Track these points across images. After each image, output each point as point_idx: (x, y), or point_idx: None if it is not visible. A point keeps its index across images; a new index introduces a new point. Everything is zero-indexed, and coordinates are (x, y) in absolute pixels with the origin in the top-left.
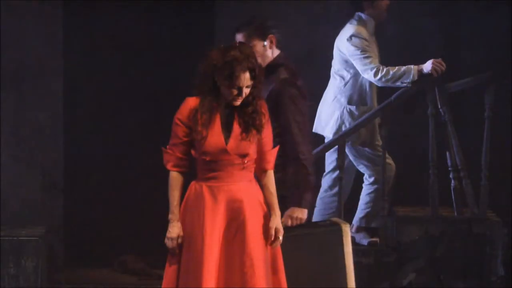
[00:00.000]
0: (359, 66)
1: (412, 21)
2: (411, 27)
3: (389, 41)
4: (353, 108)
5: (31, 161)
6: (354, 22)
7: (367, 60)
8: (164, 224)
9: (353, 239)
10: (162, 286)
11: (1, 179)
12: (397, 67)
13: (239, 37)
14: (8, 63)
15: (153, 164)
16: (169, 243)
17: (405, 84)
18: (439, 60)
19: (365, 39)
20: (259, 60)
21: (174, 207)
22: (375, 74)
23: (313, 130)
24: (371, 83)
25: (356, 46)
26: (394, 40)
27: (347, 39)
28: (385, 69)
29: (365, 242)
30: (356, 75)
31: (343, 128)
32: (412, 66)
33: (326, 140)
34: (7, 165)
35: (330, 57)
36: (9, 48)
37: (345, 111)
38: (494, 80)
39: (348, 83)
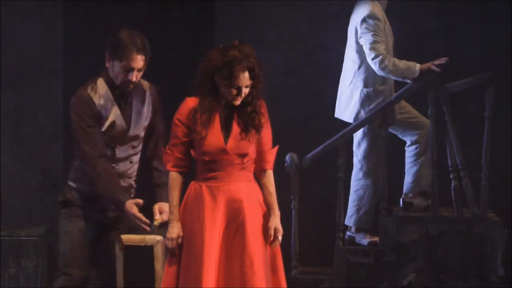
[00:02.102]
0: (366, 49)
1: (412, 21)
2: (411, 27)
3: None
4: (369, 90)
5: (31, 161)
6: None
7: (375, 45)
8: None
9: (353, 239)
10: (162, 286)
11: (1, 179)
12: (403, 61)
13: (139, 58)
14: (8, 63)
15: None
16: (169, 244)
17: (406, 80)
18: (443, 60)
19: (379, 20)
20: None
21: (173, 208)
22: (380, 63)
23: (335, 115)
24: None
25: (368, 28)
26: (394, 40)
27: (362, 20)
28: (391, 60)
29: (365, 242)
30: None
31: (362, 113)
32: (417, 64)
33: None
34: (7, 165)
35: (330, 57)
36: (9, 48)
37: (362, 94)
38: (494, 80)
39: (362, 66)
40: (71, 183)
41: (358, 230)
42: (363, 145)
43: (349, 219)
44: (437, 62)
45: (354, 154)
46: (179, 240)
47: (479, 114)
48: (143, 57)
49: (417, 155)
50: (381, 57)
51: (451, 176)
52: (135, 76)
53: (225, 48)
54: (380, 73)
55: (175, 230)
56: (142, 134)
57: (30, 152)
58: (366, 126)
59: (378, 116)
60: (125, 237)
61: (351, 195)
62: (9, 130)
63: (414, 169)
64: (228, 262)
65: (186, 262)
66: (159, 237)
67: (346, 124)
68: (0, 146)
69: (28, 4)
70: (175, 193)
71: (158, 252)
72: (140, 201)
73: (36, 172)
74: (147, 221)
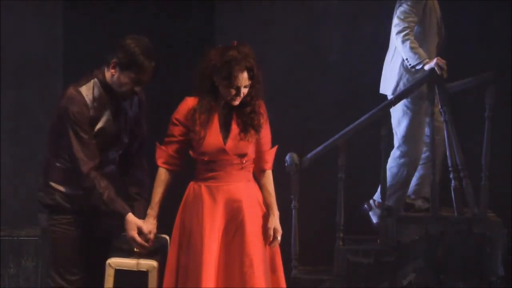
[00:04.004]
0: (395, 16)
1: None
2: None
3: (389, 41)
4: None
5: (31, 161)
6: None
7: (403, 15)
8: (165, 224)
9: (369, 208)
10: (162, 286)
11: (1, 179)
12: (418, 47)
13: (152, 74)
14: (8, 63)
15: (153, 164)
16: (137, 238)
17: (407, 64)
18: (443, 60)
19: (421, 1)
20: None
21: (154, 203)
22: (397, 32)
23: (380, 91)
24: (425, 37)
25: (406, 2)
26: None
27: None
28: (407, 36)
29: (375, 220)
30: None
31: (401, 86)
32: (425, 60)
33: None
34: (7, 165)
35: (331, 57)
36: (9, 48)
37: (401, 68)
38: (494, 80)
39: None
40: (54, 185)
41: (378, 205)
42: (404, 124)
43: (378, 194)
44: (441, 62)
45: (394, 132)
46: (151, 236)
47: (479, 114)
48: (154, 70)
49: (427, 159)
50: (401, 27)
51: (451, 176)
52: (140, 87)
53: (224, 48)
54: (395, 37)
55: (149, 226)
56: (128, 139)
57: (30, 152)
58: (406, 104)
59: (378, 116)
60: (116, 261)
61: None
62: (9, 130)
63: (421, 172)
64: (227, 262)
65: (185, 262)
66: (154, 263)
67: (347, 123)
68: (0, 146)
69: (28, 4)
70: (159, 190)
71: (153, 278)
72: (143, 226)
73: (36, 172)
74: (145, 244)
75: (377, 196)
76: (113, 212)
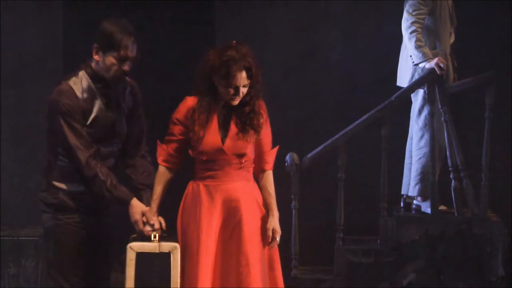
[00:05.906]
0: (404, 10)
1: None
2: None
3: (389, 41)
4: None
5: (31, 161)
6: None
7: (411, 9)
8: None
9: (419, 207)
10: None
11: (1, 179)
12: (423, 44)
13: (134, 47)
14: (8, 63)
15: (153, 164)
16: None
17: (411, 61)
18: (444, 61)
19: None
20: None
21: (152, 201)
22: (406, 28)
23: (397, 84)
24: (437, 27)
25: None
26: (394, 40)
27: None
28: (414, 33)
29: (429, 211)
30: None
31: (416, 75)
32: (428, 60)
33: None
34: (7, 165)
35: (330, 57)
36: (9, 48)
37: None
38: (494, 80)
39: None
40: (56, 183)
41: (424, 198)
42: (424, 113)
43: (413, 189)
44: (441, 63)
45: (415, 123)
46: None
47: (479, 114)
48: (136, 46)
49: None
50: (409, 22)
51: (451, 176)
52: (128, 66)
53: (223, 48)
54: (403, 33)
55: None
56: (125, 130)
57: (30, 152)
58: (426, 92)
59: (378, 116)
60: (138, 245)
61: (413, 165)
62: (9, 130)
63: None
64: (224, 261)
65: (182, 261)
66: (176, 244)
67: (347, 123)
68: (0, 146)
69: (28, 4)
70: (158, 187)
71: (176, 259)
72: (147, 211)
73: (36, 172)
74: (148, 229)
75: (404, 191)
76: (117, 199)
